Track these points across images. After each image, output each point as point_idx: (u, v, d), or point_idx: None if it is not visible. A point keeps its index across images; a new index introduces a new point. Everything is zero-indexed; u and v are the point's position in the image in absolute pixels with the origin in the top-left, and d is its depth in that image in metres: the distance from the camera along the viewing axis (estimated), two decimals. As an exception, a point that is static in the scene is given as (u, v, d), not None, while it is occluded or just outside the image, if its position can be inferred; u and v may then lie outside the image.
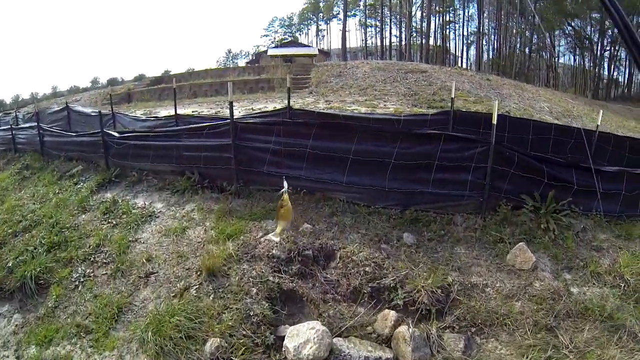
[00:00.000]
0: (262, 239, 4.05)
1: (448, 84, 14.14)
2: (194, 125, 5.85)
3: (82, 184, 6.22)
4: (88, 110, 10.18)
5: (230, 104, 5.10)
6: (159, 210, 5.28)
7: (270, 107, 11.66)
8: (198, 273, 3.74)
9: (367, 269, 3.60)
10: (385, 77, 16.39)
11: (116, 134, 6.09)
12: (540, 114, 13.37)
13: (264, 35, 77.68)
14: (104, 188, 5.91)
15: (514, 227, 4.23)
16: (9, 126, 10.87)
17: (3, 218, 5.90)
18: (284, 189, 3.53)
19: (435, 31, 47.76)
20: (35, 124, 8.51)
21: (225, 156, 5.20)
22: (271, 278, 3.54)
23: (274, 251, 3.80)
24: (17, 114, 14.15)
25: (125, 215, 5.24)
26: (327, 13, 64.56)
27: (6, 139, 10.27)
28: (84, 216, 5.40)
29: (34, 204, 6.07)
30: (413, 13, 45.82)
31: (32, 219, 5.56)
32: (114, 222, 5.12)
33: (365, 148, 4.57)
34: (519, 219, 4.29)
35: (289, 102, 7.47)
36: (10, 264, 4.72)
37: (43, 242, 4.93)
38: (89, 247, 4.71)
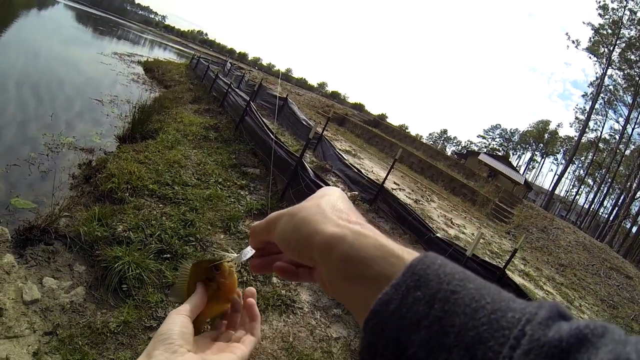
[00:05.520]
0: None
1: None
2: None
3: (246, 192, 4.99)
4: (301, 115, 9.59)
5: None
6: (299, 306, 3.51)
7: (468, 228, 9.66)
8: None
9: None
10: (588, 263, 13.74)
11: (311, 173, 4.65)
12: None
13: (480, 136, 77.02)
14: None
15: None
16: (229, 83, 11.33)
17: (158, 166, 5.03)
18: None
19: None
20: (248, 97, 8.11)
21: None
22: None
23: None
24: (246, 75, 15.15)
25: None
26: (550, 147, 59.44)
27: (221, 91, 10.57)
28: (222, 237, 4.01)
29: (192, 177, 5.09)
30: (637, 195, 37.58)
31: (176, 193, 4.46)
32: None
33: None
34: None
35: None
36: (119, 229, 3.53)
37: (162, 238, 3.63)
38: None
